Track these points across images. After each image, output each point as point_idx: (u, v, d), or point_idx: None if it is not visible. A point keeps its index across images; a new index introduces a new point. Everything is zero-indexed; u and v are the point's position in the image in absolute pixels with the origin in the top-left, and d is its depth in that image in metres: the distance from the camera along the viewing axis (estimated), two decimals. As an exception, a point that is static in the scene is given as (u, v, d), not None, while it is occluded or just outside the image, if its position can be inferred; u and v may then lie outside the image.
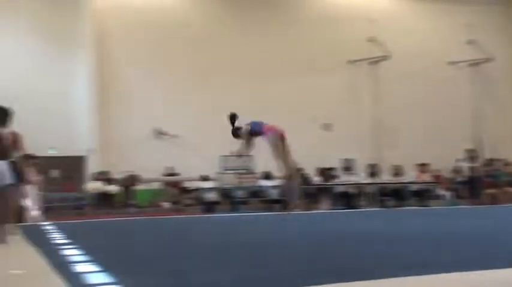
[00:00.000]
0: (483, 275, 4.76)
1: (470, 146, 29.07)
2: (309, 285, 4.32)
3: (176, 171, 28.16)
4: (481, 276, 4.73)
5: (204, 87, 30.92)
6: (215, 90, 30.91)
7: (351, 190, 25.32)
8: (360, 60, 33.60)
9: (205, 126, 30.23)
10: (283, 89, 32.01)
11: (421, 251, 6.97)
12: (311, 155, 30.23)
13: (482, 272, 4.82)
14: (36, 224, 16.61)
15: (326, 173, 26.27)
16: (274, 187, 25.63)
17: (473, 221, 14.13)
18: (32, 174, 17.45)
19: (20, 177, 10.74)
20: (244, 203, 25.21)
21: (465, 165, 26.27)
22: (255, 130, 15.68)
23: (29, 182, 16.88)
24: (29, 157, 17.27)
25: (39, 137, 26.74)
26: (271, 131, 15.33)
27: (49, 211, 22.95)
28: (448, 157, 31.10)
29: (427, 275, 4.69)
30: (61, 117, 28.38)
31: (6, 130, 10.52)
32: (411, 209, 23.26)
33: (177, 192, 27.28)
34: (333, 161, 29.24)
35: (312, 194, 25.42)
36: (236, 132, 15.54)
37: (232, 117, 15.48)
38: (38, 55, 29.02)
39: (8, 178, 10.35)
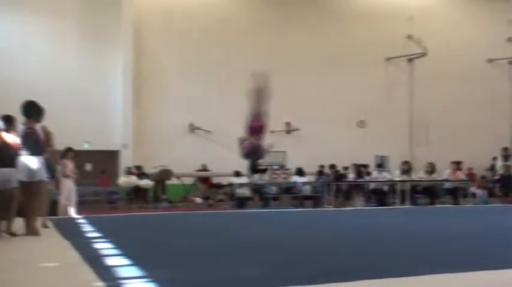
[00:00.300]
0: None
1: (506, 145, 28.89)
2: (330, 282, 4.34)
3: (209, 167, 28.27)
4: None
5: (239, 84, 30.95)
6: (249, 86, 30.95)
7: (384, 187, 25.24)
8: (398, 57, 33.50)
9: (240, 122, 30.31)
10: (319, 86, 32.01)
11: (450, 250, 6.96)
12: (345, 151, 30.23)
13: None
14: (70, 218, 16.77)
15: (360, 169, 26.20)
16: (306, 183, 25.62)
17: (503, 220, 14.04)
18: (70, 168, 17.67)
19: (52, 172, 10.92)
20: (276, 199, 25.22)
21: (499, 163, 26.08)
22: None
23: (65, 176, 17.17)
24: (68, 151, 17.56)
25: (74, 131, 27.02)
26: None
27: (82, 204, 23.14)
28: (483, 156, 30.93)
29: (455, 274, 4.69)
30: (96, 111, 28.59)
31: (38, 126, 10.86)
32: (443, 207, 23.16)
33: (207, 187, 27.49)
34: (367, 158, 29.19)
35: (346, 190, 25.39)
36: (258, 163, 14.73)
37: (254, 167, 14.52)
38: (75, 51, 29.27)
39: (42, 174, 10.54)
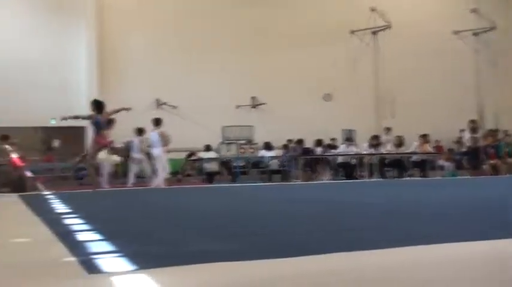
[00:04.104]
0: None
1: (472, 117, 29.13)
2: (306, 255, 4.36)
3: (176, 142, 28.28)
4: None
5: (205, 59, 30.95)
6: (216, 62, 30.95)
7: (351, 161, 25.37)
8: (362, 30, 33.57)
9: (205, 98, 30.30)
10: (285, 60, 32.05)
11: (417, 222, 7.01)
12: (312, 125, 30.31)
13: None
14: (40, 194, 16.72)
15: (326, 143, 26.30)
16: (274, 157, 25.68)
17: (469, 192, 14.14)
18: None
19: None
20: (244, 173, 25.26)
21: (467, 136, 26.24)
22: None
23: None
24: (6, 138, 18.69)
25: (41, 108, 26.82)
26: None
27: (51, 180, 23.05)
28: (450, 128, 31.16)
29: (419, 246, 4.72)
30: (62, 88, 28.47)
31: None
32: (411, 179, 23.33)
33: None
34: (334, 132, 29.30)
35: (313, 164, 25.48)
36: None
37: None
38: (39, 26, 29.09)
39: None
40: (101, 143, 17.16)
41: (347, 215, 8.29)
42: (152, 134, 21.27)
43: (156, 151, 21.20)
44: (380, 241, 4.98)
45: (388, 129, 28.47)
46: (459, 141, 29.82)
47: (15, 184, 20.09)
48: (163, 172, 21.23)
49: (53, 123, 27.40)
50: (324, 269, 3.87)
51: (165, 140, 21.02)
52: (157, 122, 21.33)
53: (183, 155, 28.98)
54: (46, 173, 26.01)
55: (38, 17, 29.36)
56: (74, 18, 29.77)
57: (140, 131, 22.50)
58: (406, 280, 3.50)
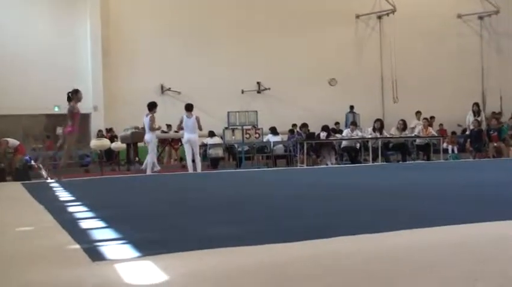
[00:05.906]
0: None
1: (476, 100, 29.12)
2: (309, 239, 4.37)
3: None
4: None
5: (209, 44, 30.96)
6: (220, 47, 30.95)
7: (356, 145, 25.34)
8: (368, 14, 33.54)
9: (209, 84, 30.32)
10: (290, 45, 32.04)
11: (424, 205, 7.02)
12: (317, 110, 30.32)
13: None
14: (43, 182, 16.77)
15: (331, 128, 26.27)
16: (279, 142, 25.65)
17: (471, 175, 14.15)
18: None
19: None
20: (248, 158, 25.25)
21: (470, 119, 26.26)
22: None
23: None
24: None
25: (44, 95, 26.82)
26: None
27: (55, 168, 23.06)
28: (454, 111, 31.15)
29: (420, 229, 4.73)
30: (66, 74, 28.44)
31: None
32: (415, 163, 23.31)
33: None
34: (339, 116, 29.28)
35: (317, 149, 25.46)
36: None
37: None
38: (43, 13, 29.07)
39: None
40: (72, 132, 17.20)
41: (352, 198, 8.31)
42: (189, 120, 21.14)
43: (194, 137, 21.19)
44: (384, 224, 4.99)
45: (419, 113, 28.46)
46: (462, 125, 29.83)
47: (19, 172, 20.14)
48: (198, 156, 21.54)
49: (57, 110, 27.42)
50: (332, 252, 3.88)
51: (199, 125, 21.17)
52: (191, 107, 21.30)
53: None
54: (50, 160, 26.07)
55: (41, 2, 29.33)
56: (78, 4, 29.76)
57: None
58: (409, 262, 3.51)
